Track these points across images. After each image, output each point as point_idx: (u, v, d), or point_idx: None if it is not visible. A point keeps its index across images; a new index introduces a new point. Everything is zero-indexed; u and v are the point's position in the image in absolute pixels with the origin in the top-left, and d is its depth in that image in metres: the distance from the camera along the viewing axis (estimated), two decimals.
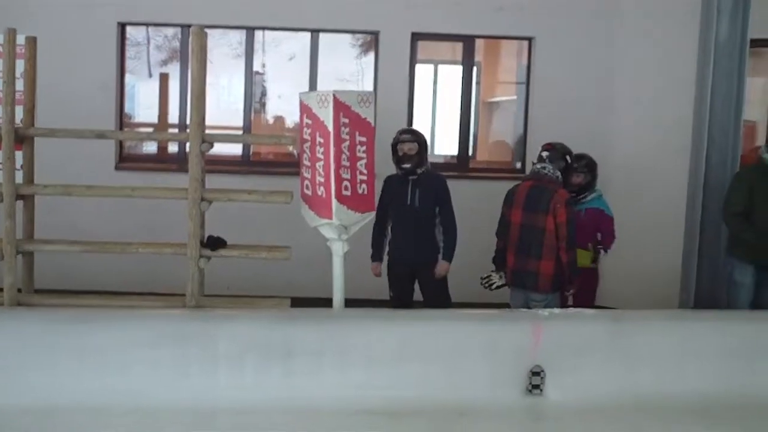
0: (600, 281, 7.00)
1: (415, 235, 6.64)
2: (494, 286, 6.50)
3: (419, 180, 6.64)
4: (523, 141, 9.15)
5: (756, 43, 7.54)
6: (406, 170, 6.62)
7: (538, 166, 6.32)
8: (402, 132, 6.79)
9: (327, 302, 5.79)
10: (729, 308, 6.55)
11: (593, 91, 8.88)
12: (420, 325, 5.40)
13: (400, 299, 6.72)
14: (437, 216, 6.68)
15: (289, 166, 8.51)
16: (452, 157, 9.25)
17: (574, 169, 6.65)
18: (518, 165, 9.21)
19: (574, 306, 6.41)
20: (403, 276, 6.73)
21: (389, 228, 6.80)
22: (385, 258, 6.93)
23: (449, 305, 6.65)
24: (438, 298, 6.66)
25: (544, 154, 6.35)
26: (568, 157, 6.38)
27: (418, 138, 6.70)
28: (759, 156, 6.60)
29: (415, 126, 8.88)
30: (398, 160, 6.68)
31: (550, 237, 6.11)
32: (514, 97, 9.52)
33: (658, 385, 5.27)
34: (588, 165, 6.86)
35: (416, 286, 6.86)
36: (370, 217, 5.84)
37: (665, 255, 8.04)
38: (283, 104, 9.38)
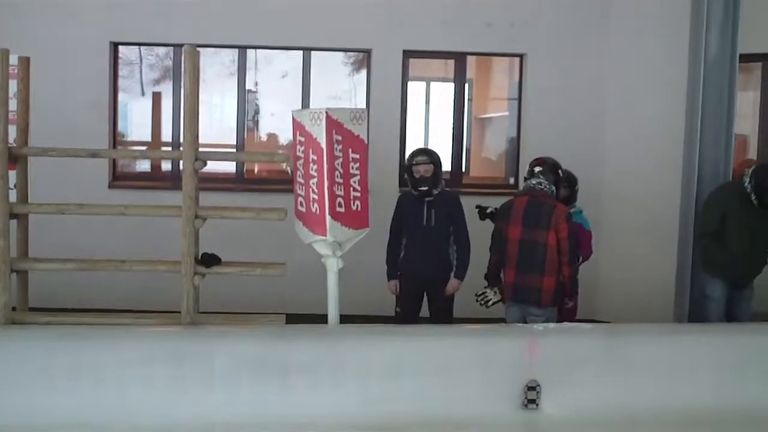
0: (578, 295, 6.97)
1: (429, 253, 6.63)
2: (490, 303, 6.49)
3: (435, 201, 6.62)
4: (515, 156, 9.19)
5: (746, 57, 7.59)
6: (423, 193, 6.60)
7: (533, 181, 6.30)
8: (417, 153, 6.73)
9: (322, 318, 5.78)
10: (701, 322, 6.63)
11: (585, 105, 8.93)
12: (415, 340, 5.40)
13: (407, 315, 6.69)
14: (451, 234, 6.68)
15: (282, 183, 8.51)
16: (446, 172, 9.22)
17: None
18: (511, 180, 9.25)
19: (559, 320, 6.40)
20: (414, 292, 6.72)
21: (403, 245, 6.75)
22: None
23: (450, 321, 6.64)
24: (445, 315, 6.66)
25: (537, 169, 6.34)
26: (560, 171, 6.40)
27: (433, 159, 6.65)
28: (740, 176, 6.63)
29: (409, 143, 8.94)
30: (414, 182, 6.63)
31: (552, 253, 6.11)
32: (507, 113, 9.56)
33: (653, 399, 5.27)
34: (568, 180, 6.80)
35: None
36: (364, 233, 5.81)
37: (659, 268, 8.06)
38: (276, 122, 9.40)
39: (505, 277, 6.36)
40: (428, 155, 6.67)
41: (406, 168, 6.73)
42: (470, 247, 6.68)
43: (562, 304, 6.34)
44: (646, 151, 8.62)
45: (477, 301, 6.52)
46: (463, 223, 6.68)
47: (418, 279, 6.65)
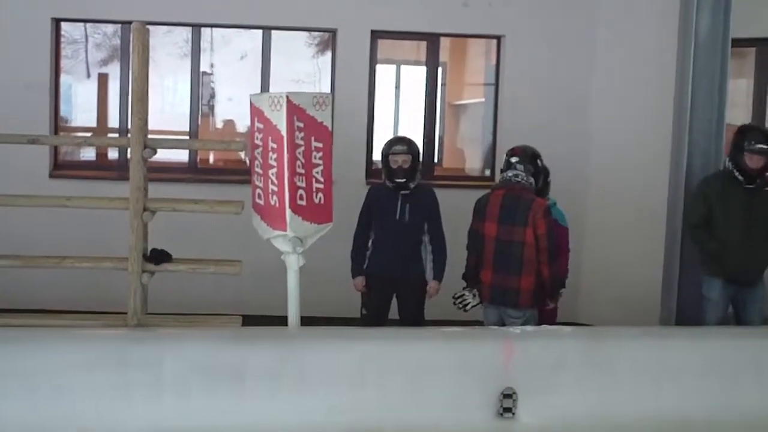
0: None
1: (402, 251, 6.63)
2: (468, 306, 6.52)
3: (410, 194, 6.63)
4: (492, 146, 9.21)
5: (739, 42, 7.63)
6: (399, 185, 6.60)
7: (510, 173, 6.30)
8: (395, 142, 6.74)
9: (282, 320, 5.78)
10: (700, 324, 6.65)
11: (568, 92, 8.96)
12: (382, 343, 5.40)
13: (374, 317, 6.68)
14: (425, 231, 6.68)
15: (239, 173, 8.50)
16: None
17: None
18: (487, 172, 9.28)
19: (540, 322, 6.42)
20: (382, 292, 6.70)
21: (371, 241, 6.76)
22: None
23: (421, 324, 6.66)
24: (416, 317, 6.67)
25: (513, 159, 6.34)
26: (539, 161, 6.40)
27: (412, 149, 6.66)
28: (724, 163, 6.67)
29: (377, 131, 8.93)
30: (390, 173, 6.63)
31: (529, 251, 6.13)
32: (483, 100, 9.58)
33: (636, 405, 5.30)
34: (542, 171, 6.74)
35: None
36: (327, 228, 5.82)
37: (645, 266, 8.12)
38: (233, 107, 9.38)
39: (482, 277, 6.37)
40: (407, 145, 6.68)
41: (382, 157, 6.74)
42: (446, 246, 6.69)
43: (543, 306, 6.35)
44: (632, 141, 8.67)
45: (455, 303, 6.55)
46: (439, 219, 6.71)
47: (388, 278, 6.66)
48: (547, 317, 6.48)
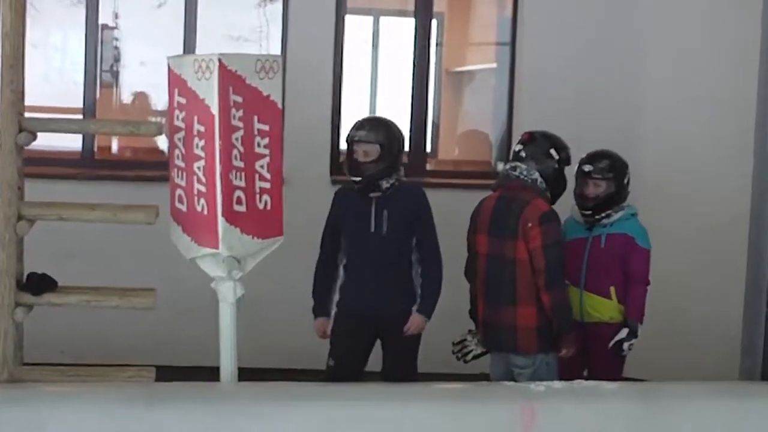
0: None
1: (381, 276, 6.62)
2: (470, 356, 6.59)
3: (388, 197, 6.62)
4: (507, 130, 9.24)
5: None
6: (360, 184, 6.59)
7: (508, 167, 6.41)
8: (357, 126, 6.73)
9: (212, 373, 5.78)
10: None
11: (611, 59, 8.99)
12: (356, 406, 5.37)
13: (346, 369, 6.65)
14: (413, 249, 6.70)
15: (153, 167, 8.47)
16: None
17: (588, 175, 6.71)
18: (500, 166, 9.21)
19: (589, 377, 6.44)
20: (358, 335, 6.69)
21: (341, 267, 6.77)
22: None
23: (413, 378, 6.66)
24: (404, 370, 6.67)
25: (518, 147, 6.45)
26: (553, 151, 6.44)
27: (380, 134, 6.62)
28: None
29: (347, 108, 8.92)
30: (349, 167, 6.65)
31: (524, 271, 6.20)
32: (494, 65, 9.63)
33: None
34: (612, 168, 6.82)
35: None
36: (276, 244, 5.83)
37: (720, 301, 8.14)
38: (145, 74, 9.41)
39: (478, 311, 6.47)
40: (373, 128, 6.66)
41: (346, 145, 6.74)
42: (442, 269, 6.70)
43: (560, 349, 6.41)
44: (700, 134, 8.69)
45: (454, 352, 6.60)
46: (431, 231, 6.72)
47: (364, 316, 6.64)
48: (608, 370, 6.52)
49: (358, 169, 6.58)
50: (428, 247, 6.68)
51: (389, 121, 6.83)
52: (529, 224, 6.17)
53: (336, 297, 6.76)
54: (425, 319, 6.64)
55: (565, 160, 6.53)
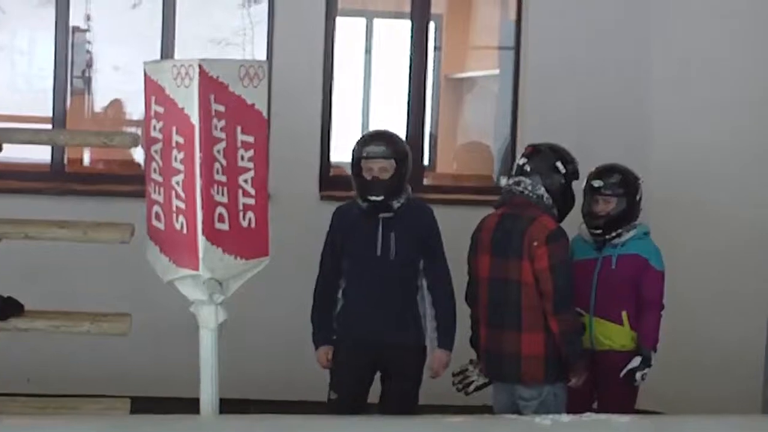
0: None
1: (385, 304, 6.58)
2: (472, 387, 6.57)
3: (396, 218, 6.60)
4: (511, 142, 9.22)
5: None
6: (376, 204, 6.56)
7: (511, 182, 6.40)
8: (368, 140, 6.72)
9: (192, 405, 5.74)
10: None
11: (622, 62, 8.99)
12: None
13: (347, 402, 6.61)
14: (421, 273, 6.68)
15: (129, 181, 8.38)
16: None
17: (597, 191, 6.69)
18: (504, 181, 9.19)
19: (599, 410, 6.42)
20: (359, 367, 6.67)
21: (341, 291, 6.74)
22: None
23: (414, 411, 6.64)
24: (406, 402, 6.64)
25: (522, 161, 6.43)
26: (560, 164, 6.41)
27: (397, 150, 6.62)
28: None
29: (338, 117, 8.90)
30: (363, 186, 6.59)
31: (529, 294, 6.17)
32: (497, 72, 9.61)
33: None
34: (623, 183, 6.79)
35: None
36: (262, 265, 5.79)
37: (741, 326, 8.12)
38: (119, 80, 9.42)
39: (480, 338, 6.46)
40: (388, 144, 6.64)
41: (352, 163, 6.70)
42: (454, 294, 6.70)
43: (569, 378, 6.39)
44: (722, 136, 8.67)
45: (454, 383, 6.59)
46: (441, 252, 6.71)
47: (367, 346, 6.62)
48: (619, 402, 6.51)
49: (373, 188, 6.54)
50: (439, 273, 6.67)
51: (397, 135, 6.84)
52: (535, 243, 6.14)
53: (334, 325, 6.73)
54: (448, 353, 6.62)
55: (573, 174, 6.49)
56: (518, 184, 6.34)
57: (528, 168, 6.37)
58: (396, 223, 6.58)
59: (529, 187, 6.31)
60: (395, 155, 6.57)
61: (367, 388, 6.73)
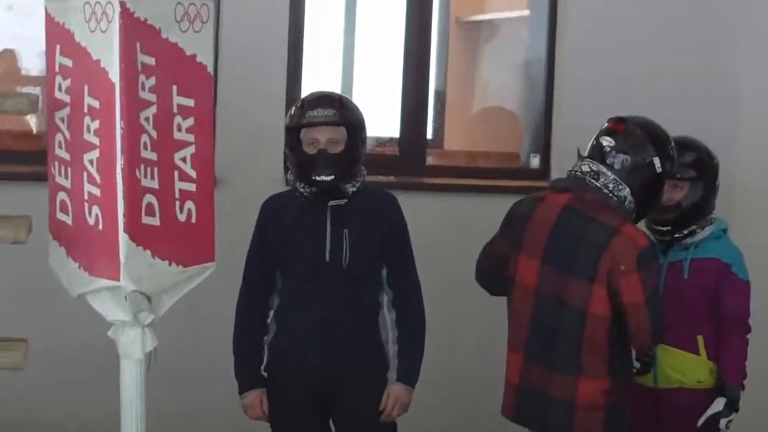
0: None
1: (335, 327, 6.56)
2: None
3: (349, 209, 6.57)
4: (546, 109, 9.24)
5: None
6: (324, 188, 6.51)
7: (584, 168, 6.17)
8: (313, 101, 6.65)
9: None
10: None
11: (700, 10, 9.00)
12: None
13: None
14: (383, 284, 6.66)
15: (24, 160, 8.37)
16: (390, 142, 9.20)
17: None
18: (535, 162, 9.31)
19: None
20: (303, 407, 6.65)
21: (272, 311, 6.71)
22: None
23: None
24: None
25: (605, 141, 6.18)
26: (657, 161, 6.17)
27: (349, 115, 6.61)
28: None
29: (308, 75, 8.86)
30: (304, 164, 6.54)
31: (599, 330, 6.02)
32: (526, 12, 9.66)
33: None
34: (700, 164, 6.71)
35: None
36: (207, 273, 5.77)
37: None
38: (14, 24, 9.40)
39: (507, 366, 6.35)
40: (339, 108, 6.58)
41: (288, 132, 6.63)
42: (424, 313, 6.68)
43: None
44: None
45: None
46: (409, 255, 6.74)
47: (315, 379, 6.60)
48: None
49: (323, 164, 6.47)
50: (406, 285, 6.66)
51: (345, 98, 6.84)
52: (623, 267, 5.91)
53: (264, 357, 6.72)
54: (410, 390, 6.60)
55: (668, 174, 6.29)
56: (596, 176, 6.08)
57: (612, 156, 6.12)
58: (350, 217, 6.55)
59: (611, 185, 6.07)
60: (347, 122, 6.53)
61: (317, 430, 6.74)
